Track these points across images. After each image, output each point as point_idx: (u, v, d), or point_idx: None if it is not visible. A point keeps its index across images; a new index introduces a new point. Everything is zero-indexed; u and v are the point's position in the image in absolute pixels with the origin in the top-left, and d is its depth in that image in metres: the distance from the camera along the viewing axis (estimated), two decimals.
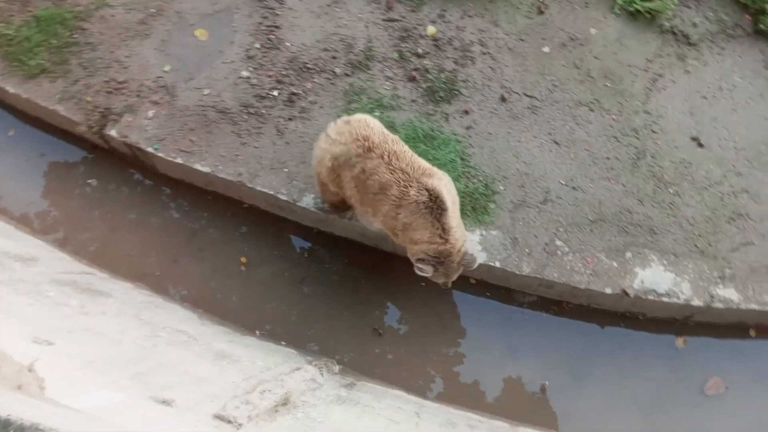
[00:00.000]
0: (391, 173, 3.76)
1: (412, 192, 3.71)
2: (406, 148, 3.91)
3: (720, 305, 4.23)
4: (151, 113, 5.01)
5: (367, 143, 3.83)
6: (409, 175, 3.75)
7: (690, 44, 4.99)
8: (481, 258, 4.39)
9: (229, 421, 3.27)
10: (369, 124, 3.94)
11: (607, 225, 4.46)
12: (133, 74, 5.14)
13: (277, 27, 5.18)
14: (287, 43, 5.12)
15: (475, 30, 5.08)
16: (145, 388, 3.33)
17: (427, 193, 3.68)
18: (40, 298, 3.98)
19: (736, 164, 4.61)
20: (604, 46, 4.98)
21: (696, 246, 4.39)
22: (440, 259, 3.77)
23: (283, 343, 4.65)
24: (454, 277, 3.96)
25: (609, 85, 4.87)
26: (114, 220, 5.17)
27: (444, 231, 3.69)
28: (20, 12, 5.40)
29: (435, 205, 3.67)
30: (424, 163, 3.87)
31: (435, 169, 3.88)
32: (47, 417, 2.40)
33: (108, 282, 4.77)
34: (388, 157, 3.79)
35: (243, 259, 4.95)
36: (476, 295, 4.70)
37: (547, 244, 4.43)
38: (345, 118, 4.08)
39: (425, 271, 3.85)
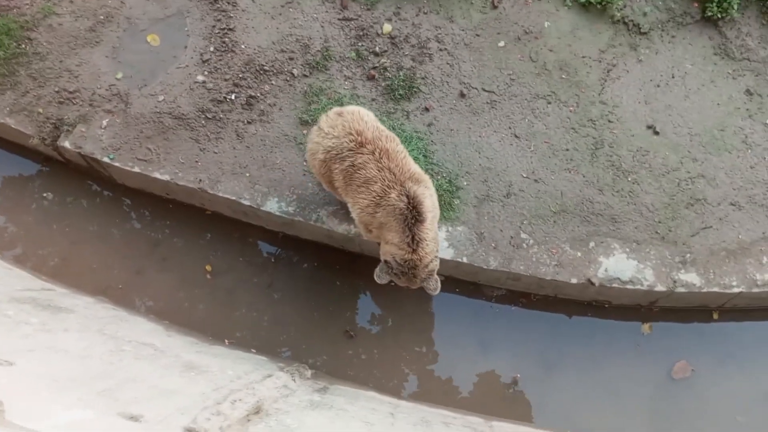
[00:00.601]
0: (378, 171, 3.69)
1: (393, 195, 3.65)
2: (400, 147, 3.84)
3: (682, 290, 4.33)
4: (105, 122, 4.89)
5: (360, 138, 3.75)
6: (395, 176, 3.68)
7: (641, 33, 5.07)
8: (448, 254, 4.41)
9: None
10: (363, 118, 3.86)
11: (569, 216, 4.52)
12: (84, 83, 5.01)
13: (231, 29, 5.10)
14: (242, 46, 5.05)
15: (431, 27, 5.08)
16: (114, 404, 3.25)
17: (406, 200, 3.62)
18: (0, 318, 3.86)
19: (692, 150, 4.72)
20: (558, 38, 5.04)
21: (656, 232, 4.48)
22: (404, 269, 3.72)
23: (253, 350, 4.60)
24: (415, 287, 3.90)
25: (565, 77, 4.93)
26: (74, 233, 5.04)
27: (414, 241, 3.63)
28: None
29: (411, 213, 3.61)
30: (413, 167, 3.80)
31: (424, 176, 3.81)
32: None
33: (69, 297, 4.65)
34: (379, 154, 3.71)
35: (208, 267, 4.88)
36: (446, 292, 4.70)
37: (512, 237, 4.47)
38: (337, 109, 3.99)
39: (381, 278, 3.84)
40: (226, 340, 4.68)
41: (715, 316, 4.62)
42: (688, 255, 4.42)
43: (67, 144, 4.83)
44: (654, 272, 4.37)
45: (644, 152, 4.71)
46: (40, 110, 4.95)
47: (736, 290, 4.34)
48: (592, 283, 4.31)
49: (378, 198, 3.70)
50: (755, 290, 4.33)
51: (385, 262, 3.78)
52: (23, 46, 5.12)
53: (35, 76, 5.04)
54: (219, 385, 3.82)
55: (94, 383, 3.43)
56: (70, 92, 4.99)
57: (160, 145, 4.80)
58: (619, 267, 4.37)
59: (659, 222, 4.50)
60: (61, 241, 5.03)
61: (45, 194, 5.16)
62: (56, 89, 5.00)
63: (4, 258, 4.95)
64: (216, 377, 3.96)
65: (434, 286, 3.84)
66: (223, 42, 5.06)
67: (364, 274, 4.78)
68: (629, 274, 4.35)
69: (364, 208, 3.78)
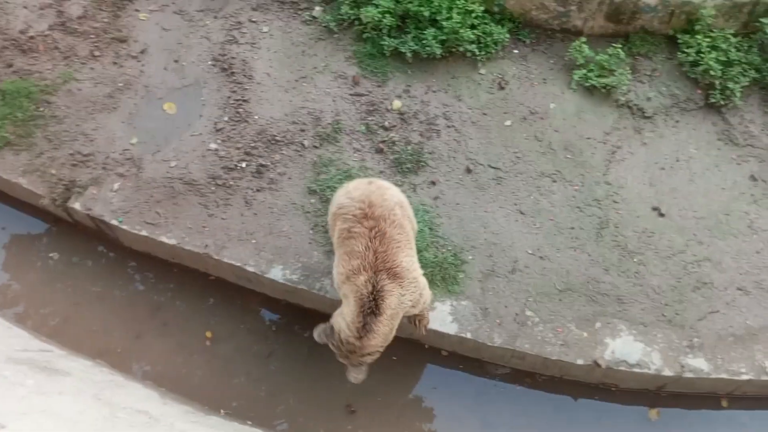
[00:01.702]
0: (365, 249, 3.64)
1: (362, 278, 3.58)
2: (402, 237, 3.73)
3: (690, 375, 4.24)
4: (116, 185, 4.96)
5: (368, 210, 3.70)
6: (375, 262, 3.60)
7: (645, 117, 5.19)
8: (452, 329, 4.37)
9: None
10: (384, 195, 3.80)
11: (575, 294, 4.49)
12: (99, 147, 5.12)
13: (245, 101, 5.25)
14: (255, 116, 5.18)
15: (439, 104, 5.22)
16: None
17: (371, 288, 3.55)
18: None
19: (697, 233, 4.73)
20: (563, 119, 5.16)
21: (663, 315, 4.43)
22: (342, 346, 3.64)
23: (249, 422, 4.47)
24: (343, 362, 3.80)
25: (570, 156, 5.01)
26: (77, 293, 5.03)
27: (363, 329, 3.54)
28: None
29: (370, 304, 3.54)
30: (403, 262, 3.68)
31: (410, 274, 3.69)
32: None
33: (67, 359, 4.59)
34: (375, 233, 3.65)
35: (209, 334, 4.83)
36: (449, 368, 4.63)
37: (517, 314, 4.42)
38: (372, 178, 4.01)
39: (320, 338, 3.79)
40: (222, 410, 4.57)
41: (725, 403, 4.49)
42: (696, 339, 4.35)
43: (77, 206, 4.89)
44: (661, 356, 4.29)
45: (650, 233, 4.72)
46: (53, 171, 5.04)
47: (744, 377, 4.24)
48: (599, 365, 4.23)
49: (351, 272, 3.65)
50: (764, 378, 4.23)
51: (331, 327, 3.72)
52: (42, 109, 5.26)
53: (51, 138, 5.16)
54: None
55: None
56: (85, 155, 5.08)
57: (169, 209, 4.85)
58: (626, 349, 4.30)
59: (666, 305, 4.46)
60: (63, 301, 5.00)
61: (51, 254, 5.18)
62: (71, 152, 5.10)
63: (5, 316, 4.91)
64: None
65: (358, 376, 3.77)
66: (237, 112, 5.20)
67: None
68: (636, 357, 4.27)
69: (339, 273, 3.76)
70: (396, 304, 3.62)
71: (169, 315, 4.92)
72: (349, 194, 3.85)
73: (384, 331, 3.62)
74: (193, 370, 4.73)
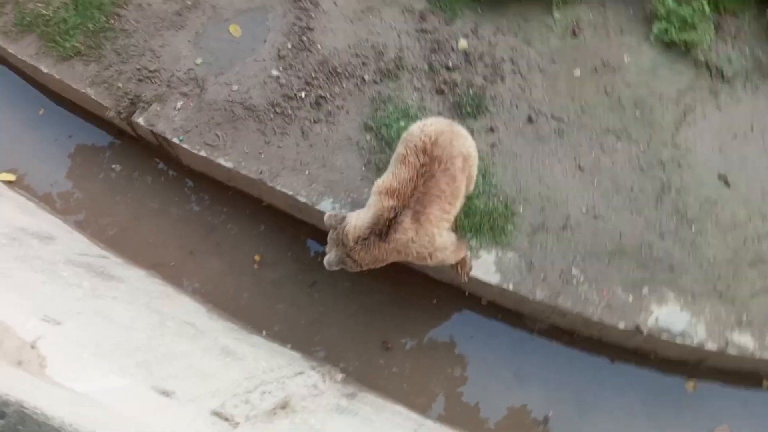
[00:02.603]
0: (408, 179, 3.62)
1: (390, 202, 3.61)
2: (448, 190, 3.66)
3: (734, 351, 4.14)
4: (179, 104, 5.04)
5: (429, 147, 3.66)
6: (409, 197, 3.62)
7: (724, 80, 4.89)
8: (494, 279, 4.35)
9: (227, 419, 3.27)
10: (453, 143, 3.71)
11: (626, 258, 4.39)
12: (164, 64, 5.18)
13: (310, 29, 5.19)
14: (319, 46, 5.13)
15: (507, 47, 5.04)
16: (150, 378, 3.34)
17: (391, 216, 3.60)
18: (54, 277, 4.02)
19: (763, 208, 4.51)
20: (636, 74, 4.91)
21: (715, 288, 4.30)
22: (338, 236, 3.76)
23: (288, 345, 4.65)
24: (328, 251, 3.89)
25: (639, 114, 4.80)
26: (135, 207, 5.22)
27: (363, 241, 3.64)
28: None
29: (382, 227, 3.60)
30: (433, 213, 3.64)
31: (431, 229, 3.65)
32: (38, 396, 2.40)
33: (122, 268, 4.81)
34: (424, 170, 3.63)
35: (257, 258, 4.97)
36: (487, 317, 4.65)
37: (563, 271, 4.37)
38: (456, 123, 3.98)
39: (326, 218, 3.87)
40: (264, 331, 4.75)
41: (766, 384, 4.40)
42: (745, 316, 4.23)
43: (141, 120, 5.01)
44: (707, 328, 4.20)
45: (712, 202, 4.53)
46: (120, 85, 5.15)
47: None
48: (641, 331, 4.18)
49: (385, 191, 3.67)
50: None
51: (344, 217, 3.81)
52: (112, 21, 5.34)
53: (119, 51, 5.25)
54: (251, 374, 3.88)
55: (134, 354, 3.53)
56: (151, 71, 5.17)
57: (228, 132, 4.92)
58: (671, 318, 4.21)
59: (719, 277, 4.32)
60: (122, 213, 5.21)
61: (113, 166, 5.36)
62: (138, 67, 5.19)
63: (67, 222, 5.17)
64: (250, 366, 4.02)
65: (330, 263, 3.82)
66: (301, 40, 5.15)
67: (408, 286, 4.77)
68: (681, 327, 4.19)
69: (377, 183, 3.79)
70: (404, 243, 3.65)
71: (222, 236, 5.07)
72: (424, 126, 3.80)
73: (379, 256, 3.69)
74: (241, 290, 4.90)
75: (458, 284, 4.61)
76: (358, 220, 3.73)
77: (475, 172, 4.01)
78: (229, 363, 3.99)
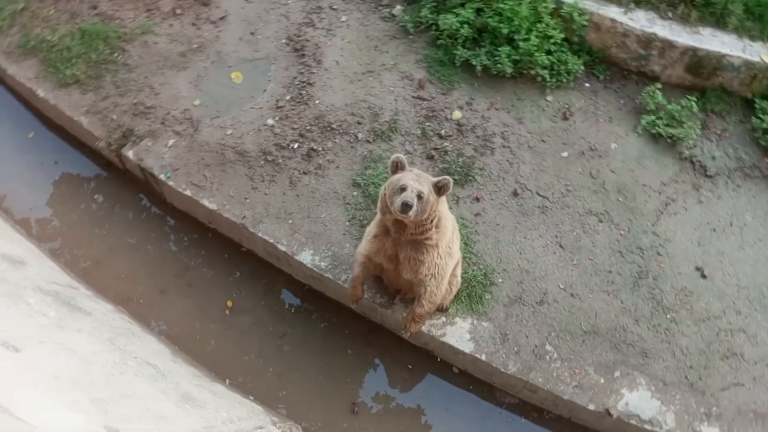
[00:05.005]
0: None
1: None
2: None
3: None
4: (171, 142, 5.06)
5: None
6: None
7: (707, 176, 5.05)
8: (468, 347, 4.31)
9: None
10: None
11: (600, 339, 4.38)
12: (162, 102, 5.23)
13: (310, 84, 5.30)
14: (317, 101, 5.22)
15: (499, 123, 5.18)
16: (104, 416, 3.20)
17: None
18: (19, 303, 3.90)
19: (737, 302, 4.57)
20: (622, 161, 5.05)
21: (686, 377, 4.29)
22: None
23: (251, 397, 4.50)
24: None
25: (621, 200, 4.91)
26: (112, 240, 5.15)
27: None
28: (67, 22, 5.57)
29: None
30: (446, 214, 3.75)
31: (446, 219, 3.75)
32: None
33: (91, 300, 4.69)
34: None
35: (229, 303, 4.88)
36: (457, 386, 4.57)
37: (536, 346, 4.34)
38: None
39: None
40: (228, 380, 4.61)
41: None
42: (715, 408, 4.20)
43: (130, 154, 5.00)
44: (676, 418, 4.16)
45: (688, 293, 4.58)
46: (114, 117, 5.17)
47: None
48: (610, 414, 4.12)
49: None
50: None
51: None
52: (116, 54, 5.42)
53: (119, 84, 5.30)
54: (210, 424, 3.73)
55: (90, 390, 3.39)
56: (147, 107, 5.20)
57: (216, 174, 4.92)
58: (642, 404, 4.17)
59: (691, 367, 4.32)
60: (98, 245, 5.12)
61: (96, 196, 5.32)
62: (135, 101, 5.23)
63: (41, 248, 5.06)
64: (209, 415, 3.87)
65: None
66: (300, 94, 5.25)
67: (379, 348, 4.70)
68: (650, 414, 4.15)
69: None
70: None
71: (196, 278, 4.99)
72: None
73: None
74: (208, 336, 4.78)
75: (432, 349, 4.55)
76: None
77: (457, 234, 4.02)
78: (188, 410, 3.84)
